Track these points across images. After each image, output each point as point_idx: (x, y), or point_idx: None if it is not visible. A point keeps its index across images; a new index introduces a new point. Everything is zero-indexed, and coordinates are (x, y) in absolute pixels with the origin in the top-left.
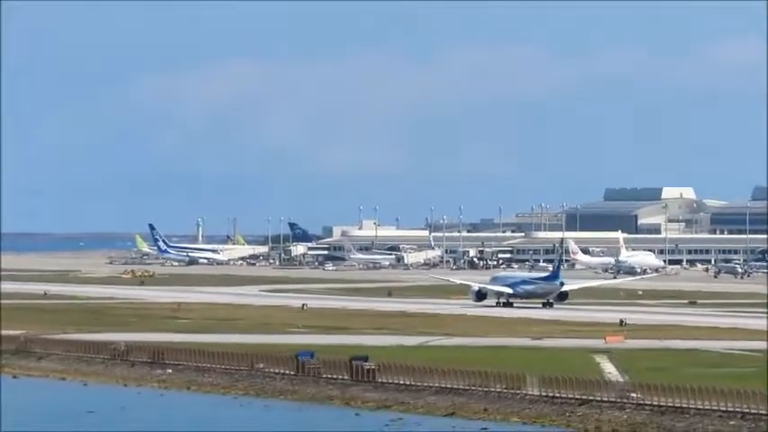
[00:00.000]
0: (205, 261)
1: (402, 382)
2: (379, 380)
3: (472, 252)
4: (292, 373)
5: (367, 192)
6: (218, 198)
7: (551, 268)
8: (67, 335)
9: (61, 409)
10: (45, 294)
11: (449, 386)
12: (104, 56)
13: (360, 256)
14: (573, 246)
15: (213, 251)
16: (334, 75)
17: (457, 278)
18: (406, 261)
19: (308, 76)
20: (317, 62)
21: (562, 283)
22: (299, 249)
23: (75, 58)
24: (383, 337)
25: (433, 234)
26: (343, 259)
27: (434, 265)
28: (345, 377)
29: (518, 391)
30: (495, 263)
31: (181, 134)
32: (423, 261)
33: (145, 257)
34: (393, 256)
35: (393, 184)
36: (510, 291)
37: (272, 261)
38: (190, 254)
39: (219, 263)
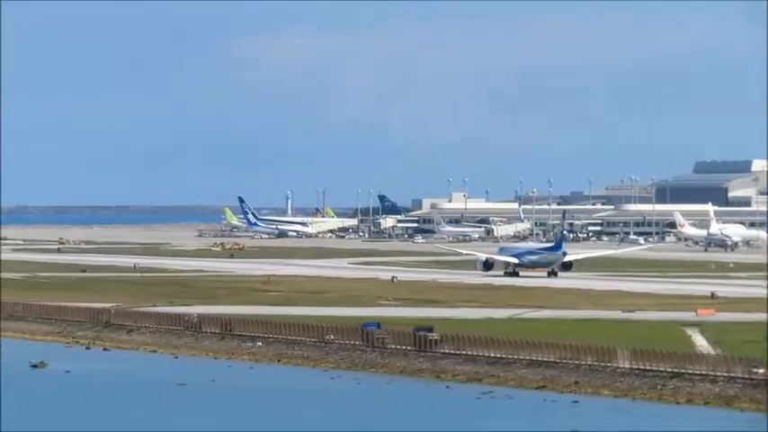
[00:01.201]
0: (294, 234)
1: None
2: (442, 350)
3: None
4: (359, 343)
5: (456, 164)
6: (308, 170)
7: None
8: (157, 308)
9: (152, 382)
10: (135, 267)
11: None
12: (191, 25)
13: (449, 228)
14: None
15: (302, 224)
16: (426, 42)
17: (464, 249)
18: (495, 234)
19: (402, 43)
20: (407, 29)
21: (565, 253)
22: (388, 222)
23: (159, 27)
24: (472, 309)
25: (522, 206)
26: (433, 232)
27: (524, 238)
28: (410, 347)
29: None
30: (585, 235)
31: (270, 104)
32: (512, 234)
33: (234, 230)
34: (482, 229)
35: (483, 156)
36: (516, 261)
37: (361, 234)
38: (279, 227)
39: (309, 236)
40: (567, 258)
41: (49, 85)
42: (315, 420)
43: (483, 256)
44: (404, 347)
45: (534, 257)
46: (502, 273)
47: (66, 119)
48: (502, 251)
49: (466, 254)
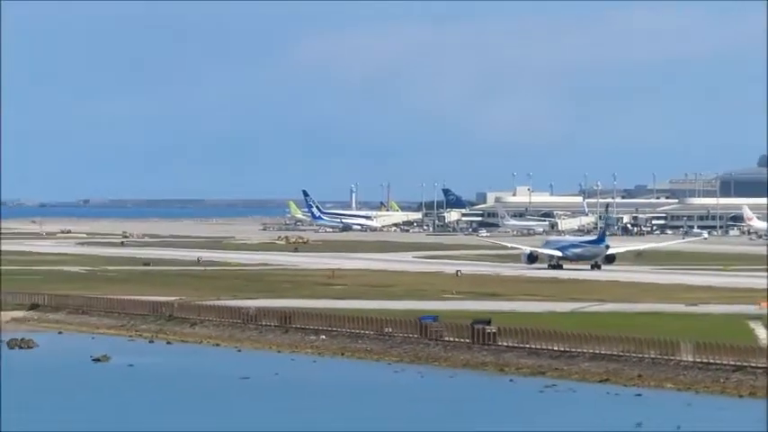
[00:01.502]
0: (359, 227)
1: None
2: (505, 343)
3: (626, 218)
4: (415, 335)
5: (521, 157)
6: (373, 164)
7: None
8: (221, 301)
9: (215, 376)
10: (198, 261)
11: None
12: (267, 19)
13: (513, 222)
14: (748, 212)
15: (367, 217)
16: (493, 37)
17: (509, 242)
18: (559, 227)
19: (466, 38)
20: (476, 24)
21: (607, 246)
22: (452, 216)
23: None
24: (535, 303)
25: (586, 200)
26: (497, 225)
27: (588, 232)
28: (467, 340)
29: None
30: (649, 229)
31: (336, 99)
32: (576, 227)
33: (299, 224)
34: (547, 223)
35: (547, 150)
36: (560, 254)
37: (425, 227)
38: (343, 220)
39: (373, 229)
40: (609, 251)
41: (94, 82)
42: (376, 414)
43: (527, 249)
44: (461, 340)
45: (578, 250)
46: (546, 266)
47: (132, 113)
48: (547, 245)
49: (511, 247)
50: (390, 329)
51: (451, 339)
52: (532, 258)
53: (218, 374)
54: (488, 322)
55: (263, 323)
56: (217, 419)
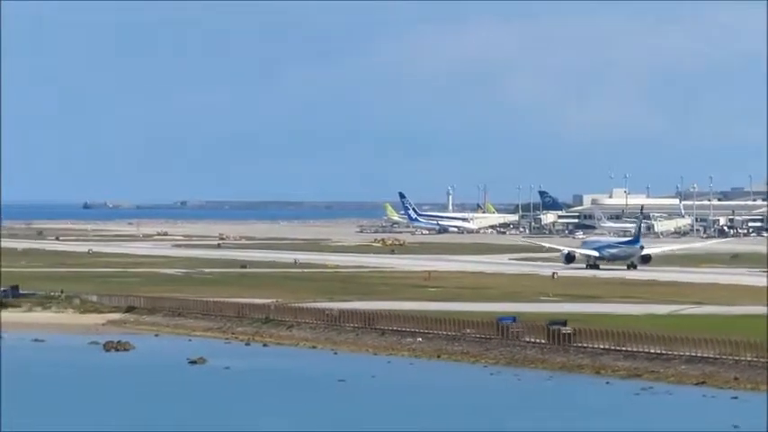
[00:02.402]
0: (455, 229)
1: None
2: (576, 344)
3: (722, 220)
4: (495, 336)
5: (617, 159)
6: (469, 166)
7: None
8: (317, 303)
9: (312, 378)
10: (295, 263)
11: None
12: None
13: (610, 224)
14: None
15: (463, 219)
16: (585, 34)
17: (546, 242)
18: (656, 229)
19: (559, 34)
20: (567, 20)
21: (642, 247)
22: (548, 218)
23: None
24: (632, 305)
25: (683, 202)
26: (594, 227)
27: (684, 234)
28: (543, 341)
29: None
30: (746, 231)
31: (429, 99)
32: (673, 229)
33: (395, 226)
34: (643, 224)
35: (643, 152)
36: (596, 254)
37: (521, 229)
38: (440, 222)
39: (470, 231)
40: (644, 252)
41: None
42: (471, 416)
43: (565, 250)
44: (538, 341)
45: (614, 251)
46: (584, 266)
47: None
48: (585, 245)
49: (548, 247)
50: (469, 330)
51: (530, 340)
52: (570, 258)
53: (315, 377)
54: (564, 323)
55: (352, 325)
56: (313, 421)
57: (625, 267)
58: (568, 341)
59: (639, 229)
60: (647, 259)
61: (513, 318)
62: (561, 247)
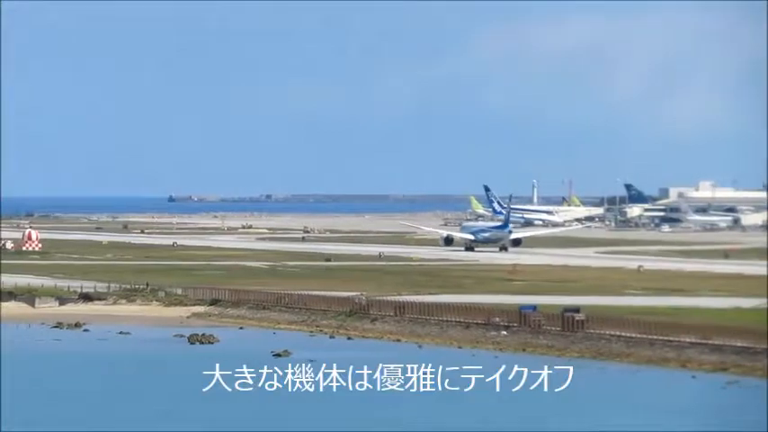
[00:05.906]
0: (540, 222)
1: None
2: (589, 330)
3: None
4: (516, 324)
5: (704, 152)
6: (554, 159)
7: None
8: (402, 296)
9: None
10: (380, 256)
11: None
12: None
13: (696, 217)
14: None
15: (548, 212)
16: (679, 27)
17: (427, 227)
18: (743, 222)
19: (653, 28)
20: (662, 14)
21: (510, 231)
22: (634, 211)
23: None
24: (719, 299)
25: None
26: (680, 221)
27: None
28: (558, 328)
29: None
30: None
31: (521, 92)
32: (761, 223)
33: (480, 219)
34: (730, 218)
35: (731, 145)
36: (472, 237)
37: (607, 223)
38: (525, 215)
39: (555, 224)
40: (513, 236)
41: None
42: (557, 411)
43: (444, 233)
44: (553, 328)
45: (486, 234)
46: (463, 248)
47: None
48: (463, 229)
49: (427, 231)
50: (498, 319)
51: (548, 328)
52: (449, 241)
53: None
54: (577, 310)
55: (411, 315)
56: (394, 414)
57: (497, 249)
58: (581, 327)
59: (508, 215)
60: (517, 242)
61: (534, 306)
62: (441, 231)
